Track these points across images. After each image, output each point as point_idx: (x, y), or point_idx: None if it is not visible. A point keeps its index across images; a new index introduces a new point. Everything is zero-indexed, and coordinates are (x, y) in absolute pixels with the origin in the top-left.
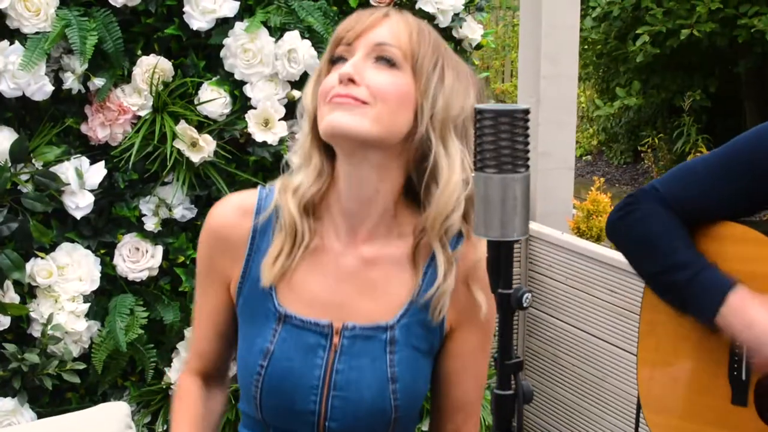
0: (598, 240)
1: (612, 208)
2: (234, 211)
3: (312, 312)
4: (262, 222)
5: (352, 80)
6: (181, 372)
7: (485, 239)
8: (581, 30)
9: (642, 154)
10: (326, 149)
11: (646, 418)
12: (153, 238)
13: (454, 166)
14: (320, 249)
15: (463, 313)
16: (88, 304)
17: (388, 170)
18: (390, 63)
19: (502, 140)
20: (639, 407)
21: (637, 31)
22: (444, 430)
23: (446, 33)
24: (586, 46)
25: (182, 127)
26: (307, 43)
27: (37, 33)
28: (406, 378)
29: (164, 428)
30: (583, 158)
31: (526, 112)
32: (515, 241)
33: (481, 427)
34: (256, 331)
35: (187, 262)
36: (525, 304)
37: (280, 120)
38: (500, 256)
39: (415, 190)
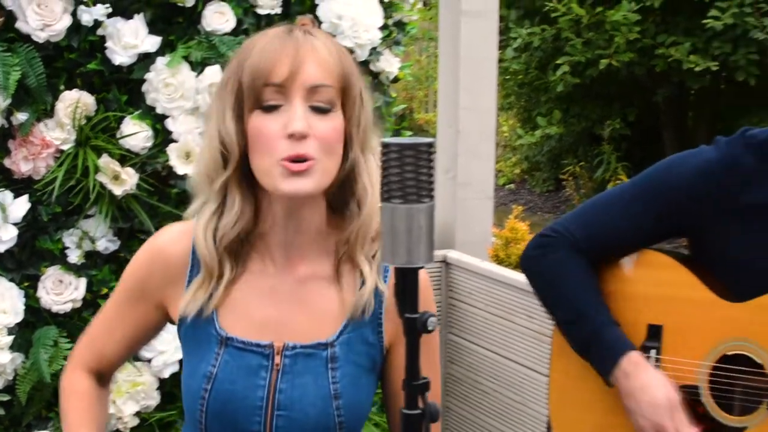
0: (517, 267)
1: (530, 235)
2: (177, 235)
3: (253, 334)
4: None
5: (305, 136)
6: (68, 367)
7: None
8: (502, 60)
9: (564, 182)
10: (248, 189)
11: None
12: (76, 270)
13: (375, 182)
14: (257, 272)
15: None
16: (12, 337)
17: (318, 200)
18: (326, 109)
19: (407, 172)
20: (549, 429)
21: (557, 61)
22: None
23: (364, 67)
24: (507, 76)
25: (105, 161)
26: None
27: None
28: (349, 394)
29: None
30: (506, 187)
31: (430, 145)
32: (420, 268)
33: None
34: (200, 356)
35: (110, 293)
36: (430, 328)
37: None
38: (406, 283)
39: (336, 205)
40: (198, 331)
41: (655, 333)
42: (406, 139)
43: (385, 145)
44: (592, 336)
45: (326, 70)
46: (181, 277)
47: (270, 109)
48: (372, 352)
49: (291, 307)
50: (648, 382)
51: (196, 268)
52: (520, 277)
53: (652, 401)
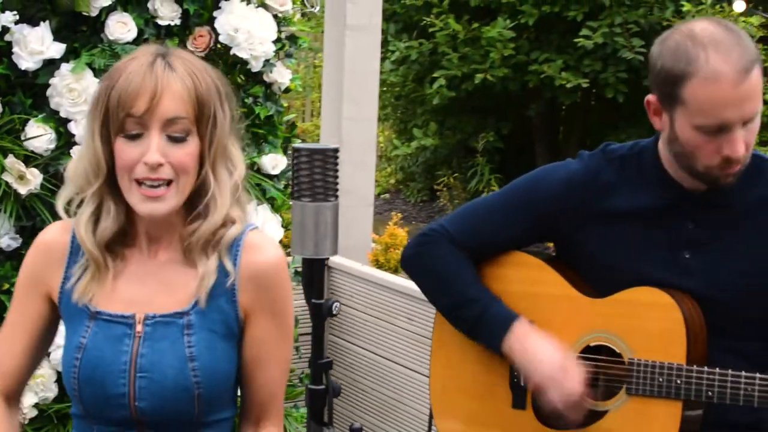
0: (395, 271)
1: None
2: (57, 229)
3: (120, 308)
4: (77, 240)
5: (160, 164)
6: None
7: (271, 245)
8: (380, 73)
9: (438, 193)
10: (120, 195)
11: (438, 426)
12: None
13: (224, 192)
14: (125, 258)
15: (257, 302)
16: None
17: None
18: (182, 138)
19: (316, 174)
20: (431, 416)
21: (433, 75)
22: (251, 416)
23: (257, 77)
24: (384, 88)
25: (10, 161)
26: None
27: None
28: (204, 357)
29: None
30: (381, 197)
31: (336, 150)
32: (326, 259)
33: None
34: (73, 330)
35: (12, 290)
36: (334, 312)
37: None
38: (313, 272)
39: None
40: (72, 309)
41: None
42: (315, 144)
43: (296, 150)
44: (481, 313)
45: (181, 102)
46: (61, 263)
47: (132, 137)
48: (227, 320)
49: (153, 286)
50: (541, 342)
51: (74, 255)
52: (398, 281)
53: (545, 357)
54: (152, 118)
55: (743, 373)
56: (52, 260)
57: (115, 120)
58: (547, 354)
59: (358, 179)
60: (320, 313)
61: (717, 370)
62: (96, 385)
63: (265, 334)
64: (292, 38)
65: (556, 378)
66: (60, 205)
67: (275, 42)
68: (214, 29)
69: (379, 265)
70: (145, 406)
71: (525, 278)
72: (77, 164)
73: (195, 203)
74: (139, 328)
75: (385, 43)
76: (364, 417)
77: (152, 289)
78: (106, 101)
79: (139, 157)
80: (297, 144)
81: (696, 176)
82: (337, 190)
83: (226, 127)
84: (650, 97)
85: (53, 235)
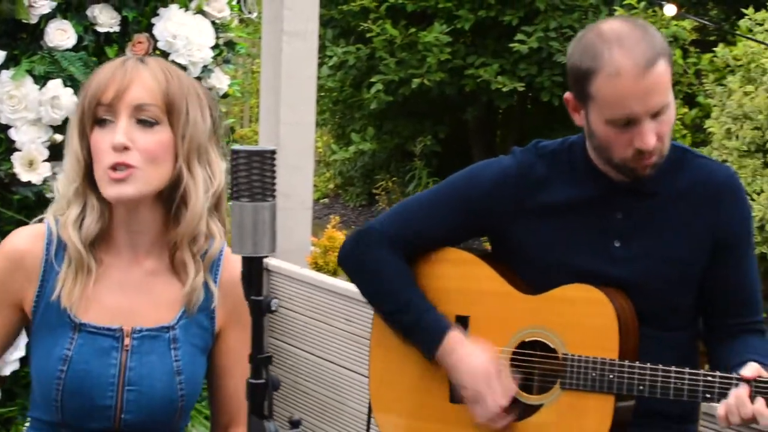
0: (334, 274)
1: None
2: (28, 237)
3: (104, 319)
4: (54, 247)
5: (126, 147)
6: None
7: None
8: (318, 78)
9: (376, 197)
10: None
11: (376, 419)
12: None
13: (199, 190)
14: (108, 265)
15: (231, 314)
16: None
17: (154, 203)
18: (151, 123)
19: (254, 175)
20: (370, 410)
21: (371, 80)
22: (221, 422)
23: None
24: (322, 93)
25: None
26: (69, 90)
27: None
28: (188, 370)
29: None
30: (321, 201)
31: (273, 152)
32: (265, 257)
33: None
34: (54, 341)
35: None
36: (273, 308)
37: (44, 161)
38: (252, 269)
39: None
40: (51, 318)
41: (462, 323)
42: (253, 147)
43: (234, 152)
44: (415, 322)
45: (149, 91)
46: (37, 275)
47: (102, 123)
48: (205, 335)
49: (137, 295)
50: (467, 355)
51: (50, 264)
52: (337, 283)
53: (471, 371)
54: (121, 104)
55: (673, 368)
56: (25, 269)
57: (89, 113)
58: (474, 367)
59: (297, 183)
60: (260, 309)
61: (648, 365)
62: (84, 397)
63: (236, 344)
64: (230, 44)
65: (479, 393)
66: (50, 214)
67: (213, 48)
68: (152, 36)
69: (318, 268)
70: (131, 418)
71: (461, 275)
72: (63, 174)
73: (173, 202)
74: (127, 341)
75: (322, 48)
76: (305, 418)
77: (135, 299)
78: (82, 101)
79: (109, 144)
80: (236, 146)
81: (615, 168)
82: (274, 190)
83: (202, 128)
84: (567, 95)
85: (25, 243)
